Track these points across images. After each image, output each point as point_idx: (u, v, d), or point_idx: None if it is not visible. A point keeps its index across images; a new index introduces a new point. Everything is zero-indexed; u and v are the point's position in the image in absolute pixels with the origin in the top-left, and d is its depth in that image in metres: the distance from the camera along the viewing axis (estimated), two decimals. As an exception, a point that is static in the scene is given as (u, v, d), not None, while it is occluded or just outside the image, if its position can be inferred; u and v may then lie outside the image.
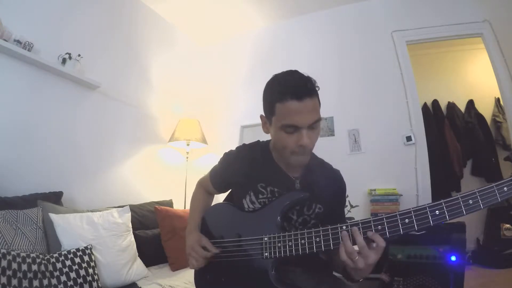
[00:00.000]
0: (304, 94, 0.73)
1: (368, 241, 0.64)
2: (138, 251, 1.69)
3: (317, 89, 0.77)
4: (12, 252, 1.11)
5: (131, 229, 1.72)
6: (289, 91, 0.73)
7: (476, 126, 3.13)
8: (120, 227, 1.62)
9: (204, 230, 0.95)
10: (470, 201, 0.56)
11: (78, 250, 1.36)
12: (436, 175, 2.36)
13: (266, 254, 0.78)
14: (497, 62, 2.23)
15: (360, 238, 0.64)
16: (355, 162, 2.42)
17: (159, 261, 1.89)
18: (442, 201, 0.59)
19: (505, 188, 0.54)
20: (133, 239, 1.69)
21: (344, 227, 0.68)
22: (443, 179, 2.85)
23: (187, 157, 2.67)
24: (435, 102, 3.34)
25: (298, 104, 0.72)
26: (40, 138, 1.75)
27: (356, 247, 0.65)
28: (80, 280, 1.27)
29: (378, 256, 0.64)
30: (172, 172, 2.74)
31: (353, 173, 2.16)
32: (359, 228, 0.65)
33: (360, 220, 0.67)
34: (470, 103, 3.25)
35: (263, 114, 0.85)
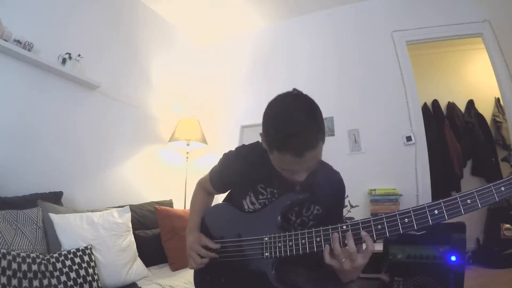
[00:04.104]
0: (306, 151, 0.65)
1: (358, 245, 0.66)
2: (138, 251, 1.70)
3: (325, 136, 0.69)
4: (12, 252, 1.11)
5: (131, 229, 1.72)
6: (289, 148, 0.65)
7: (476, 126, 3.13)
8: (120, 227, 1.62)
9: (204, 230, 0.95)
10: (468, 200, 0.57)
11: (78, 250, 1.36)
12: (436, 175, 2.36)
13: (266, 254, 0.78)
14: (497, 62, 2.23)
15: (351, 242, 0.65)
16: (355, 162, 2.42)
17: (159, 261, 1.89)
18: (441, 200, 0.60)
19: (502, 188, 0.55)
20: (133, 239, 1.69)
21: (344, 227, 0.68)
22: (443, 179, 2.85)
23: (187, 157, 2.67)
24: (435, 102, 3.34)
25: (298, 159, 0.66)
26: (40, 138, 1.75)
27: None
28: (80, 280, 1.27)
29: (366, 261, 0.66)
30: (172, 172, 2.75)
31: (353, 173, 2.17)
32: (358, 228, 0.66)
33: (360, 219, 0.67)
34: (470, 103, 3.25)
35: (262, 133, 0.76)
